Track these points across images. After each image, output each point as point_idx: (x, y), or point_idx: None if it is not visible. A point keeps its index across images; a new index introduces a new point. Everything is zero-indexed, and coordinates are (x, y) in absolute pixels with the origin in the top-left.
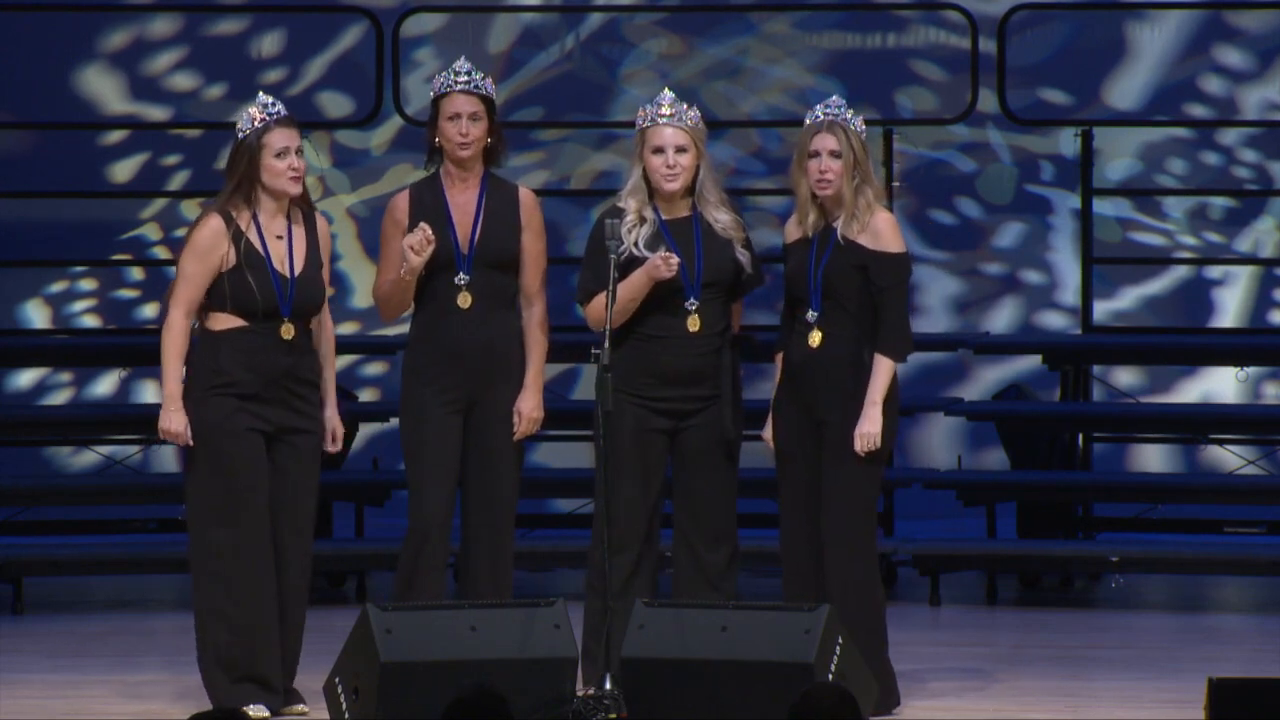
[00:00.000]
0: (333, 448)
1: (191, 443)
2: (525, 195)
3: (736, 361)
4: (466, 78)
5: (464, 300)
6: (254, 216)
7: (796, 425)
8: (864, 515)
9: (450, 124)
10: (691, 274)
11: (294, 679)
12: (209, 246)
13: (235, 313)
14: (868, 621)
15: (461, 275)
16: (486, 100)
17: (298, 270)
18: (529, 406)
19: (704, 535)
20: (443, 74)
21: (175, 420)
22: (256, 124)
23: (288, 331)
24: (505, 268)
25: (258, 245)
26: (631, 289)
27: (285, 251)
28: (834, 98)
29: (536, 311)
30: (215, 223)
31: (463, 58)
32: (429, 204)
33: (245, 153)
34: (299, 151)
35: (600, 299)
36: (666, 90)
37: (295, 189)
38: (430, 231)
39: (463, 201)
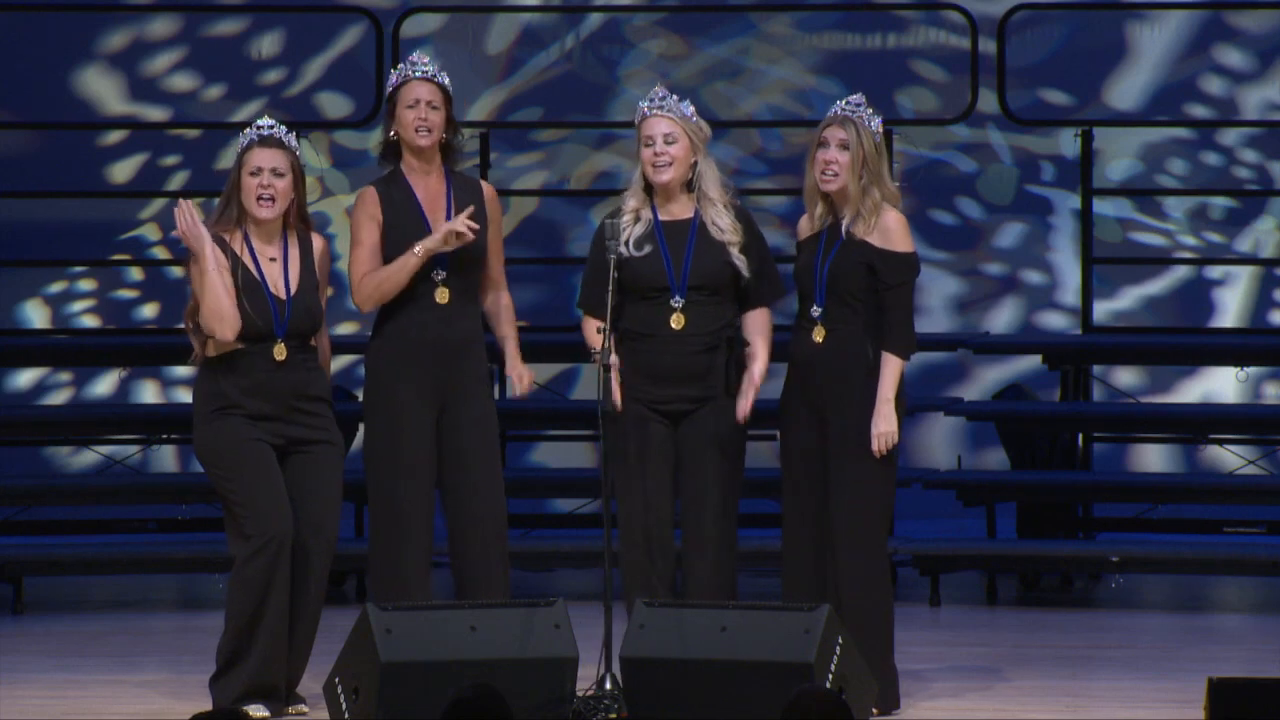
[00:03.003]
0: None
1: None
2: (488, 189)
3: (740, 361)
4: (425, 67)
5: (442, 296)
6: (245, 238)
7: (803, 423)
8: (875, 514)
9: (409, 111)
10: (678, 274)
11: (299, 682)
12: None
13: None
14: (875, 622)
15: (439, 271)
16: (444, 91)
17: (292, 291)
18: (521, 368)
19: (698, 532)
20: (399, 67)
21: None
22: (243, 142)
23: (280, 352)
24: (477, 262)
25: (252, 269)
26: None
27: (279, 273)
28: (856, 96)
29: (504, 296)
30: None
31: (418, 51)
32: (398, 201)
33: (232, 173)
34: (278, 173)
35: (590, 324)
36: (660, 86)
37: (262, 212)
38: (471, 227)
39: (432, 197)
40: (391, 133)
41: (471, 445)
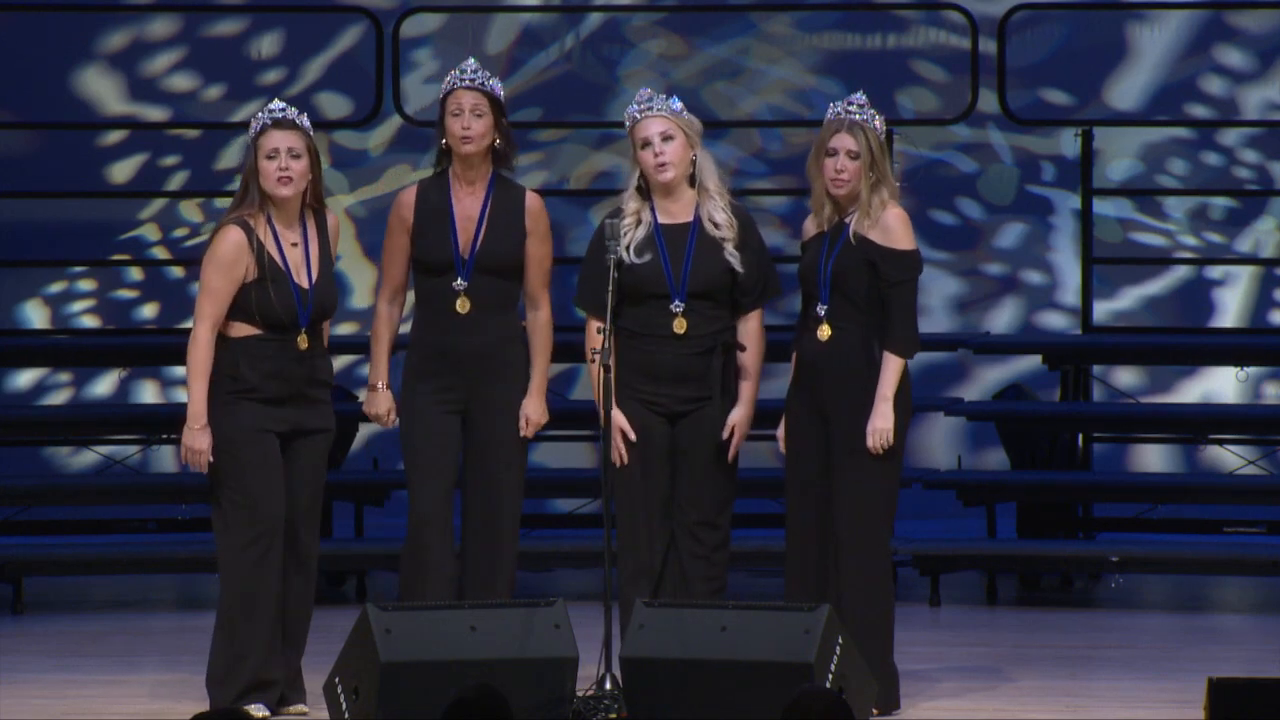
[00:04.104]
0: None
1: (212, 460)
2: (532, 200)
3: (733, 366)
4: (472, 75)
5: (462, 305)
6: (269, 223)
7: (805, 421)
8: (876, 513)
9: (454, 119)
10: (677, 279)
11: (300, 677)
12: (232, 260)
13: (254, 323)
14: (875, 621)
15: (460, 280)
16: (491, 98)
17: (314, 278)
18: (534, 410)
19: (686, 531)
20: (451, 73)
21: (200, 439)
22: (256, 127)
23: (303, 342)
24: (506, 273)
25: (277, 257)
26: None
27: (302, 259)
28: (858, 95)
29: (541, 315)
30: (236, 235)
31: (471, 58)
32: (434, 204)
33: (248, 157)
34: (294, 154)
35: (594, 326)
36: (645, 88)
37: (282, 191)
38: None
39: (468, 205)
40: (443, 140)
41: (488, 450)
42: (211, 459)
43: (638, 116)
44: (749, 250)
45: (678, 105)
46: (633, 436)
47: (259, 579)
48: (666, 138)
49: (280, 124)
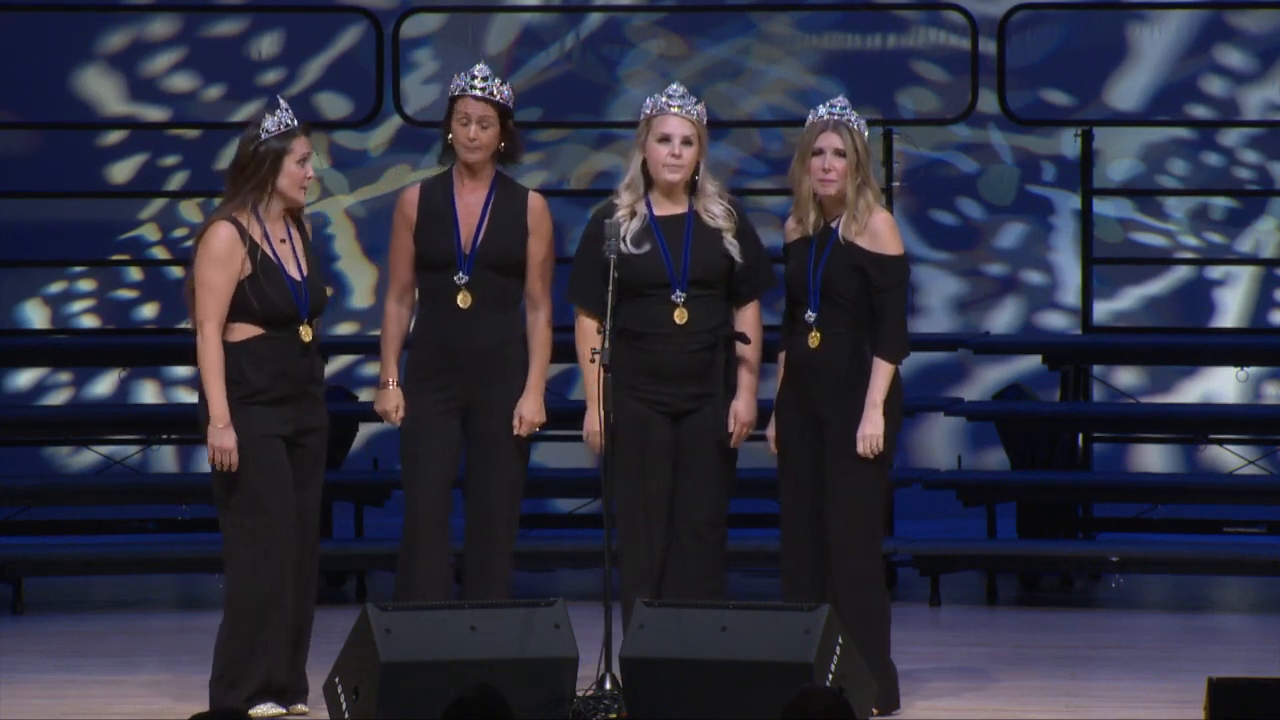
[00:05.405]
0: None
1: (237, 461)
2: (535, 200)
3: (733, 359)
4: (483, 83)
5: (464, 300)
6: (260, 223)
7: (798, 425)
8: (870, 515)
9: (461, 128)
10: (678, 268)
11: (305, 678)
12: (227, 253)
13: (255, 321)
14: (872, 621)
15: (461, 275)
16: (499, 107)
17: (304, 271)
18: (530, 410)
19: (694, 533)
20: (461, 75)
21: (226, 438)
22: (281, 129)
23: (306, 334)
24: (507, 270)
25: (269, 252)
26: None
27: (290, 254)
28: (839, 98)
29: (541, 315)
30: (227, 230)
31: (482, 63)
32: (438, 201)
33: (267, 156)
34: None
35: (587, 323)
36: (676, 84)
37: (303, 198)
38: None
39: (470, 202)
40: (448, 135)
41: (487, 451)
42: (236, 462)
43: (668, 110)
44: (746, 239)
45: (703, 111)
46: (595, 448)
47: (270, 583)
48: (687, 141)
49: (307, 129)
